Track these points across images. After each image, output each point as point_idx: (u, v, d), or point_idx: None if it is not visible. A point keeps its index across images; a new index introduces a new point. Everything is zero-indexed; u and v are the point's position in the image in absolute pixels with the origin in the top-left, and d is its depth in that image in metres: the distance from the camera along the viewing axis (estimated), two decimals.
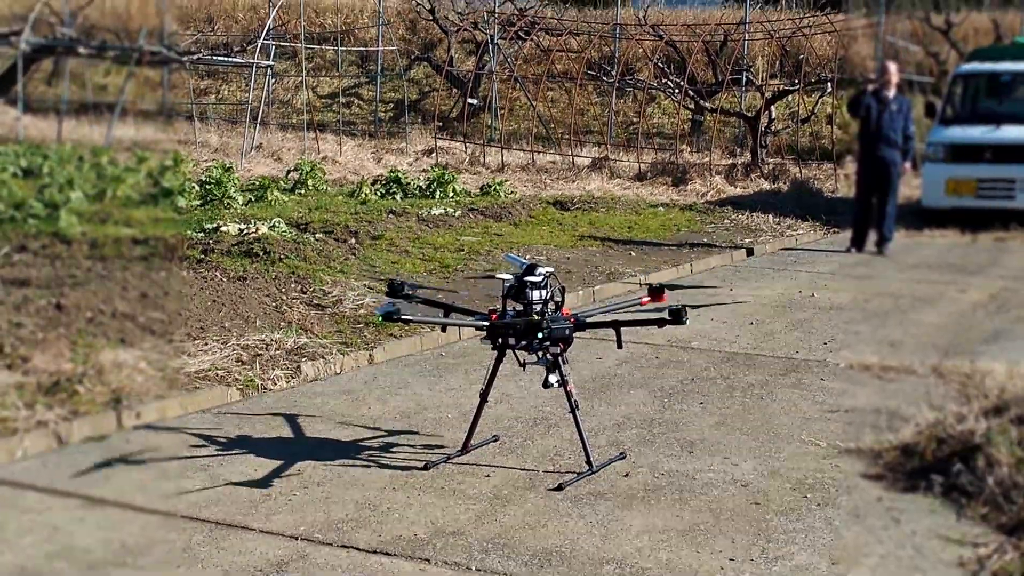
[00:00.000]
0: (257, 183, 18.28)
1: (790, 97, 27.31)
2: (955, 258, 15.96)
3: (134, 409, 7.88)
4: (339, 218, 15.55)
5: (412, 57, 34.50)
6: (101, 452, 7.32)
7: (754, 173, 23.49)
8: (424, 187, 19.60)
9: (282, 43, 31.65)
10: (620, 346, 7.30)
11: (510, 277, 7.19)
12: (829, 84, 25.10)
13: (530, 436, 7.84)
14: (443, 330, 8.20)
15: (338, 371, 9.51)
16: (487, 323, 7.15)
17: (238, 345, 9.54)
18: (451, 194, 19.36)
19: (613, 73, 28.99)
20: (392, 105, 34.01)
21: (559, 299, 7.16)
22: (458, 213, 16.90)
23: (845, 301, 12.83)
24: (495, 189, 19.97)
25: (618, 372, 9.63)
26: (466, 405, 8.30)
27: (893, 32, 22.02)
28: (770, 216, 18.92)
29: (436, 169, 21.40)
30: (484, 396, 7.39)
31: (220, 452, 7.38)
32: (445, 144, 27.80)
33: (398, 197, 19.05)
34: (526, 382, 8.78)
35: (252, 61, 26.29)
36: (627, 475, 7.07)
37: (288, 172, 20.55)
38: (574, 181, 23.15)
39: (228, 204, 16.75)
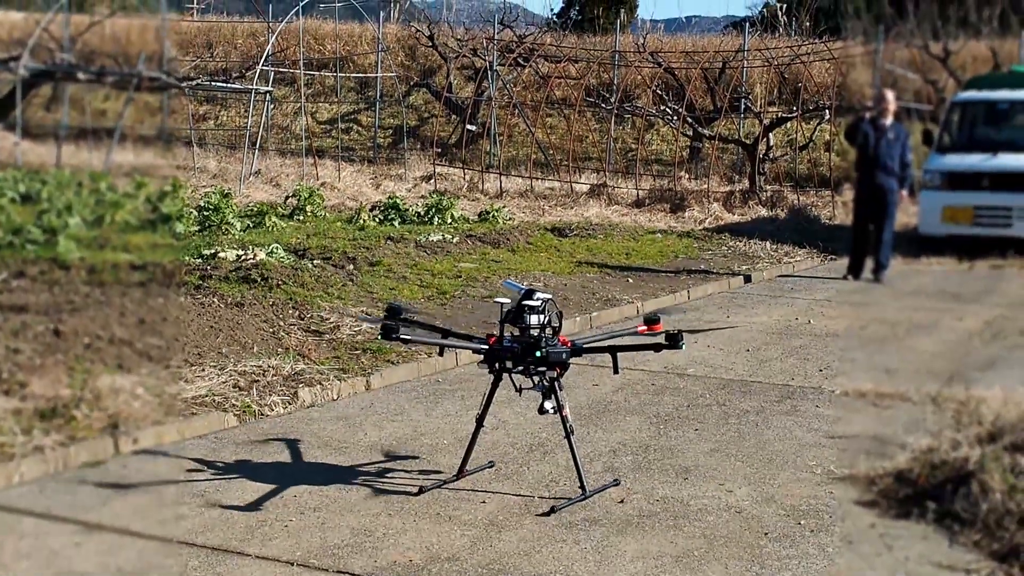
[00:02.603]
0: (255, 209, 18.33)
1: (788, 124, 27.39)
2: (952, 286, 15.97)
3: (131, 435, 7.90)
4: (337, 244, 15.59)
5: (411, 83, 34.60)
6: (98, 477, 7.33)
7: (752, 200, 23.54)
8: (422, 213, 19.65)
9: (281, 69, 31.76)
10: (616, 371, 7.34)
11: (508, 301, 7.25)
12: (827, 111, 25.18)
13: (526, 462, 7.86)
14: (440, 353, 8.23)
15: (335, 397, 9.53)
16: (485, 347, 7.20)
17: (235, 371, 9.56)
18: (449, 220, 19.41)
19: (612, 100, 29.09)
20: (391, 131, 34.09)
21: (556, 324, 7.20)
22: (456, 239, 16.94)
23: (841, 328, 12.87)
24: (493, 215, 20.02)
25: (614, 398, 9.66)
26: (462, 431, 8.31)
27: (891, 60, 22.04)
28: (768, 243, 18.96)
29: (434, 195, 21.46)
30: (480, 421, 7.42)
31: (217, 478, 7.40)
32: (444, 170, 27.86)
33: (396, 223, 19.09)
34: (522, 408, 8.80)
35: (251, 87, 26.38)
36: (622, 501, 7.09)
37: (286, 198, 20.60)
38: (572, 208, 23.21)
39: (226, 230, 16.79)
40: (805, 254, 18.36)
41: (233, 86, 28.46)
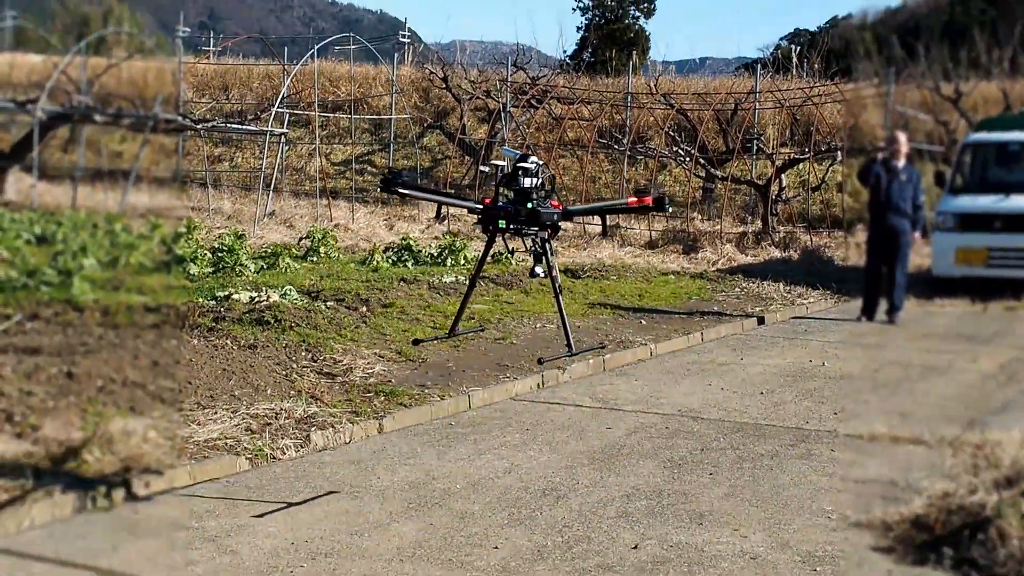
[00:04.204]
0: (269, 250, 18.37)
1: (801, 165, 27.42)
2: (966, 327, 15.92)
3: (143, 479, 7.89)
4: (350, 286, 15.60)
5: (425, 125, 34.73)
6: (109, 522, 7.32)
7: (765, 241, 23.54)
8: (436, 255, 19.67)
9: (296, 111, 31.87)
10: (605, 233, 7.62)
11: (504, 164, 7.41)
12: (839, 153, 25.20)
13: (538, 507, 7.83)
14: (437, 213, 8.35)
15: (347, 440, 9.51)
16: (480, 206, 7.42)
17: (248, 414, 9.55)
18: (462, 262, 19.43)
19: (624, 141, 29.15)
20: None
21: (549, 188, 7.42)
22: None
23: (855, 370, 12.82)
24: (506, 257, 20.02)
25: (627, 442, 9.62)
26: (475, 476, 8.29)
27: (903, 101, 22.05)
28: (781, 284, 18.93)
29: (448, 236, 21.48)
30: (473, 281, 7.65)
31: (228, 523, 7.38)
32: (457, 211, 27.89)
33: (409, 264, 19.11)
34: (535, 452, 8.78)
35: (266, 129, 26.48)
36: (636, 547, 7.05)
37: (300, 239, 20.64)
38: (585, 249, 23.22)
39: (240, 272, 16.81)
40: (818, 295, 18.32)
41: (248, 128, 28.56)
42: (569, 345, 7.38)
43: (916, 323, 16.06)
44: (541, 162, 7.43)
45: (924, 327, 15.86)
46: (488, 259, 20.02)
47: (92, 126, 18.57)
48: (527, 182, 7.31)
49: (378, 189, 7.78)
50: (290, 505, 7.79)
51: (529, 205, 7.21)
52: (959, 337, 15.21)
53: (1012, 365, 13.19)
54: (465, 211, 26.21)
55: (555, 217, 7.32)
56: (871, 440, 9.70)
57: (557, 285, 7.35)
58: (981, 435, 9.41)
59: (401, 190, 7.27)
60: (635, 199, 7.73)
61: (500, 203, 7.42)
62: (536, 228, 7.26)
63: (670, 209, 7.25)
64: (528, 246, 7.34)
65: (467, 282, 16.62)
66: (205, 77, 39.21)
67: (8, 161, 16.89)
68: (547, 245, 7.29)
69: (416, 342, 8.08)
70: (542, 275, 7.24)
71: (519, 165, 7.33)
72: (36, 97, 16.90)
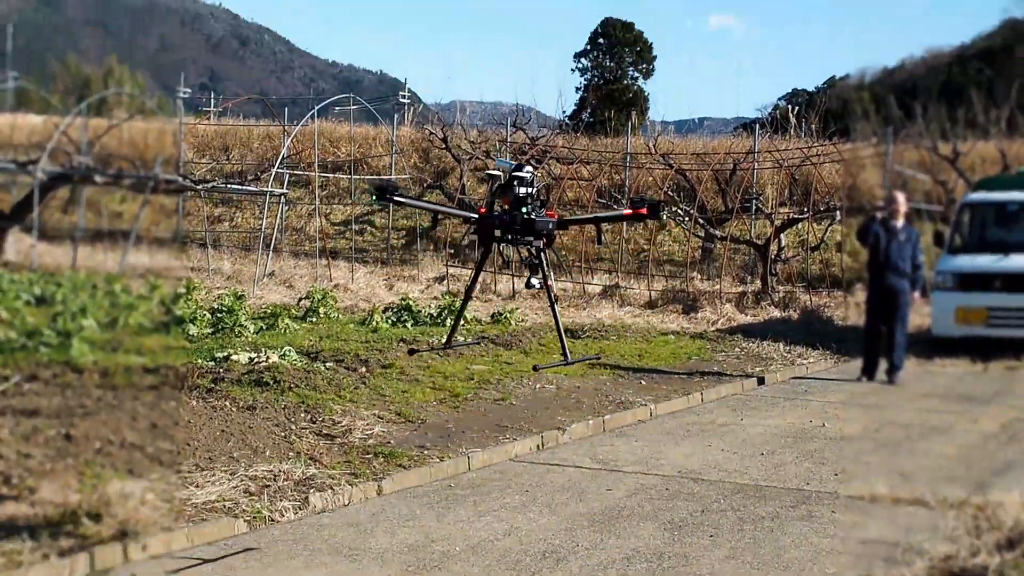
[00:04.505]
0: (269, 311, 18.37)
1: (800, 225, 27.46)
2: (966, 388, 15.90)
3: (140, 541, 7.84)
4: (350, 346, 15.59)
5: (425, 185, 34.83)
6: None
7: (764, 301, 23.54)
8: (435, 315, 19.66)
9: (296, 171, 32.00)
10: (599, 242, 7.62)
11: (499, 173, 7.42)
12: (838, 212, 25.25)
13: (538, 570, 7.77)
14: (433, 220, 8.33)
15: (346, 502, 9.47)
16: (475, 216, 7.44)
17: (246, 476, 9.51)
18: (461, 322, 19.40)
19: (624, 201, 29.19)
20: (404, 232, 34.24)
21: (544, 198, 7.44)
22: (469, 341, 16.92)
23: (856, 431, 12.78)
24: (506, 317, 20.02)
25: (628, 503, 9.58)
26: (475, 538, 8.24)
27: (901, 161, 22.14)
28: (781, 344, 18.92)
29: (447, 296, 21.49)
30: (468, 293, 7.65)
31: None
32: (456, 271, 27.93)
33: (409, 325, 19.10)
34: (535, 514, 8.73)
35: (266, 189, 26.57)
36: None
37: (300, 300, 20.65)
38: (585, 309, 23.22)
39: (239, 332, 16.81)
40: (818, 355, 18.30)
41: (248, 188, 28.65)
42: (565, 354, 7.44)
43: (917, 383, 16.05)
44: (536, 172, 7.49)
45: (925, 387, 15.85)
46: (488, 319, 19.97)
47: (92, 186, 18.63)
48: (522, 191, 7.35)
49: (372, 198, 7.78)
50: (288, 569, 7.74)
51: (524, 210, 7.25)
52: (960, 397, 15.19)
53: (1013, 425, 13.16)
54: (465, 271, 26.21)
55: (550, 226, 7.37)
56: (872, 501, 9.66)
57: (552, 294, 7.41)
58: (983, 496, 9.37)
59: (397, 199, 7.33)
60: (630, 211, 7.78)
61: (496, 212, 7.47)
62: (531, 237, 7.30)
63: (665, 217, 7.32)
64: (522, 256, 7.38)
65: (469, 343, 16.63)
66: (206, 138, 39.38)
67: (8, 222, 16.93)
68: (543, 255, 7.33)
69: (412, 352, 8.19)
70: (538, 286, 7.31)
71: (514, 175, 7.37)
72: (37, 158, 16.96)
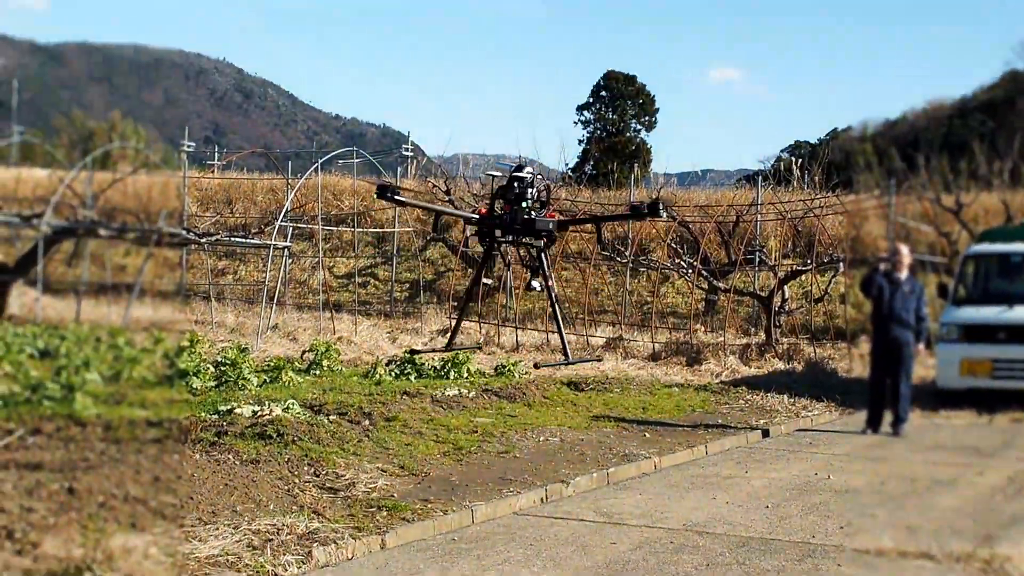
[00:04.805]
0: (272, 364, 18.36)
1: (803, 277, 27.49)
2: (972, 439, 15.86)
3: None
4: (353, 399, 15.56)
5: (428, 238, 34.91)
6: None
7: (768, 353, 23.53)
8: (439, 367, 19.64)
9: (300, 224, 32.10)
10: (600, 241, 7.75)
11: (500, 174, 7.45)
12: (841, 264, 25.29)
13: None
14: (435, 222, 8.23)
15: (349, 556, 9.41)
16: (476, 216, 7.46)
17: (249, 530, 9.47)
18: (465, 375, 19.38)
19: (627, 253, 29.27)
20: (408, 285, 34.30)
21: (544, 199, 7.45)
22: (472, 394, 16.91)
23: (861, 484, 12.73)
24: (509, 369, 20.00)
25: (632, 557, 9.53)
26: None
27: (904, 212, 22.21)
28: (785, 396, 18.90)
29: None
30: (469, 293, 7.70)
31: None
32: (461, 326, 27.91)
33: (412, 378, 19.08)
34: (539, 568, 8.68)
35: (270, 242, 26.63)
36: None
37: (303, 352, 20.64)
38: (588, 361, 23.18)
39: (243, 385, 16.79)
40: (823, 407, 18.27)
41: (252, 241, 28.72)
42: (566, 353, 7.48)
43: (922, 435, 16.02)
44: (537, 172, 7.53)
45: (930, 439, 15.81)
46: (492, 372, 19.94)
47: (97, 240, 18.68)
48: (522, 192, 7.39)
49: (374, 196, 7.81)
50: None
51: (524, 204, 7.29)
52: (965, 449, 15.15)
53: (1020, 478, 13.10)
54: (471, 326, 26.24)
55: (550, 226, 7.41)
56: (878, 555, 9.61)
57: (554, 295, 7.47)
58: (990, 550, 9.33)
59: (397, 198, 7.38)
60: (630, 213, 7.88)
61: (496, 213, 7.51)
62: (532, 238, 7.35)
63: (664, 215, 7.30)
64: (522, 256, 7.43)
65: (471, 396, 16.60)
66: (210, 191, 39.55)
67: (13, 275, 16.97)
68: (543, 255, 7.37)
69: (413, 352, 8.27)
70: (539, 289, 7.34)
71: (515, 175, 7.41)
72: (41, 211, 17.02)
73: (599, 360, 7.09)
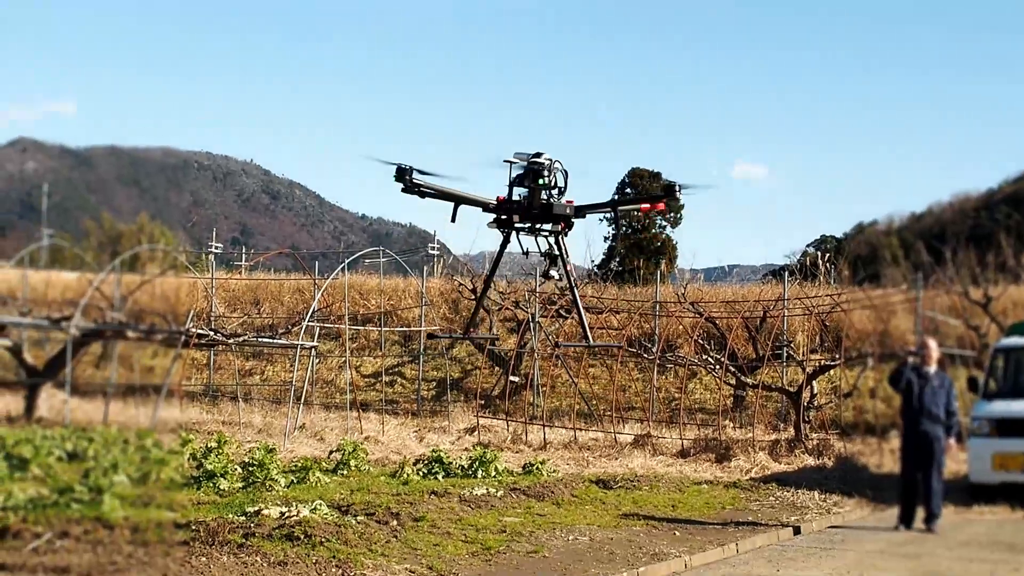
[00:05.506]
0: (299, 464, 18.33)
1: (832, 371, 27.37)
2: (1006, 535, 15.66)
3: None
4: (381, 499, 15.50)
5: (454, 336, 34.96)
6: None
7: (798, 448, 23.38)
8: (466, 466, 19.57)
9: (327, 324, 32.20)
10: (617, 227, 7.69)
11: (518, 161, 7.47)
12: (870, 359, 25.17)
13: None
14: (453, 214, 8.16)
15: None
16: (494, 202, 7.48)
17: None
18: (493, 473, 19.30)
19: (654, 349, 29.23)
20: (435, 383, 34.29)
21: (562, 185, 7.49)
22: (500, 493, 16.82)
23: None
24: (537, 468, 19.91)
25: None
26: None
27: (932, 306, 22.15)
28: (816, 493, 18.73)
29: (478, 448, 21.41)
30: (488, 280, 7.72)
31: None
32: (487, 422, 27.87)
33: (440, 477, 19.00)
34: None
35: (297, 342, 26.71)
36: None
37: (331, 452, 20.61)
38: (617, 458, 23.08)
39: (270, 486, 16.75)
40: (854, 504, 18.09)
41: (279, 341, 28.81)
42: (587, 337, 7.50)
43: (955, 531, 15.82)
44: (555, 159, 7.59)
45: (963, 535, 15.62)
46: (520, 470, 19.86)
47: (125, 341, 18.77)
48: (541, 179, 7.45)
49: (393, 178, 7.84)
50: None
51: (543, 196, 7.34)
52: (1000, 545, 14.96)
53: None
54: (498, 423, 26.23)
55: (568, 211, 7.46)
56: None
57: (572, 279, 7.48)
58: None
59: (416, 179, 7.41)
60: (648, 204, 7.91)
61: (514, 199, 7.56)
62: (549, 224, 7.39)
63: (680, 196, 7.31)
64: (539, 247, 7.45)
65: (499, 495, 16.53)
66: (237, 292, 39.75)
67: (41, 377, 17.05)
68: (561, 241, 7.41)
69: (431, 336, 8.25)
70: (556, 278, 7.38)
71: (532, 162, 7.47)
72: (70, 314, 17.14)
73: (619, 347, 7.11)
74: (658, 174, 63.82)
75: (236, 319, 34.95)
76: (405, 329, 36.02)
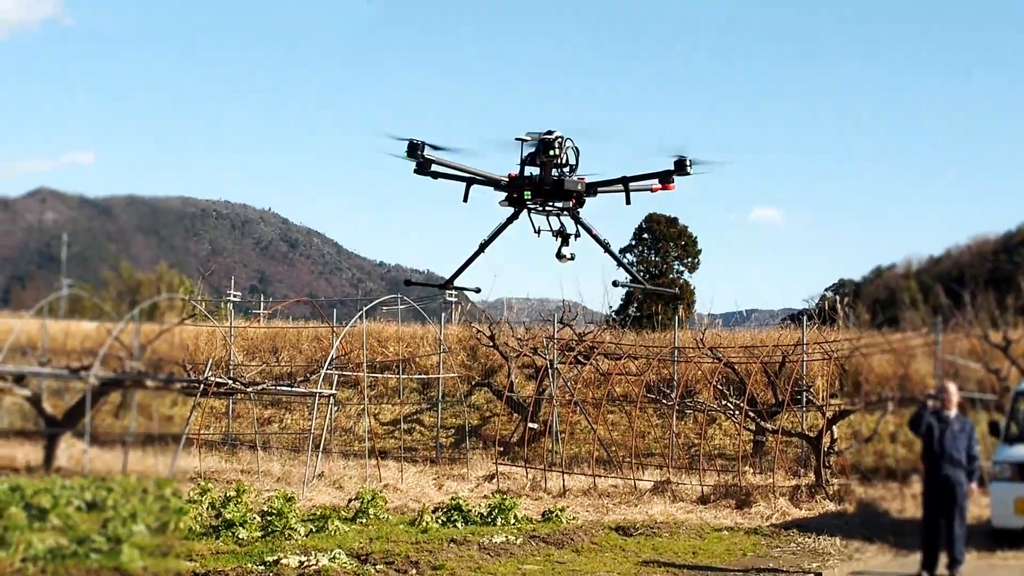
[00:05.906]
0: (318, 513, 18.29)
1: (852, 416, 27.24)
2: None
3: None
4: (400, 548, 15.45)
5: (473, 383, 34.93)
6: None
7: (819, 494, 23.25)
8: (485, 514, 19.50)
9: (345, 372, 32.20)
10: (628, 202, 7.75)
11: (529, 139, 7.48)
12: (890, 403, 25.05)
13: None
14: (465, 195, 8.13)
15: None
16: (505, 179, 7.48)
17: None
18: (512, 520, 19.23)
19: (673, 395, 29.15)
20: (453, 431, 34.22)
21: (573, 163, 7.49)
22: (519, 540, 16.75)
23: None
24: (556, 515, 19.83)
25: None
26: None
27: (951, 350, 22.08)
28: (837, 539, 18.61)
29: (497, 495, 21.34)
30: (484, 245, 7.71)
31: None
32: (506, 469, 27.79)
33: (459, 524, 18.94)
34: None
35: (315, 390, 26.70)
36: None
37: (349, 501, 20.56)
38: (636, 505, 22.97)
39: (289, 535, 16.71)
40: (876, 550, 17.96)
41: (297, 390, 28.81)
42: (635, 278, 7.52)
43: None
44: (566, 136, 7.63)
45: None
46: (539, 517, 19.78)
47: (144, 391, 18.81)
48: (552, 155, 7.48)
49: (405, 155, 7.85)
50: None
51: (555, 173, 7.37)
52: None
53: None
54: (517, 470, 26.13)
55: (579, 187, 7.49)
56: None
57: (603, 239, 7.50)
58: None
59: (428, 156, 7.43)
60: (659, 184, 7.93)
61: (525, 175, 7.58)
62: (561, 201, 7.41)
63: (691, 171, 7.31)
64: (551, 226, 7.48)
65: (519, 543, 16.46)
66: (255, 340, 39.81)
67: (61, 427, 17.07)
68: (578, 216, 7.44)
69: (408, 283, 8.24)
70: (568, 257, 7.38)
71: (543, 139, 7.50)
72: (89, 364, 17.19)
73: (674, 293, 6.99)
74: (675, 219, 63.88)
75: (255, 367, 34.95)
76: (423, 376, 36.01)
